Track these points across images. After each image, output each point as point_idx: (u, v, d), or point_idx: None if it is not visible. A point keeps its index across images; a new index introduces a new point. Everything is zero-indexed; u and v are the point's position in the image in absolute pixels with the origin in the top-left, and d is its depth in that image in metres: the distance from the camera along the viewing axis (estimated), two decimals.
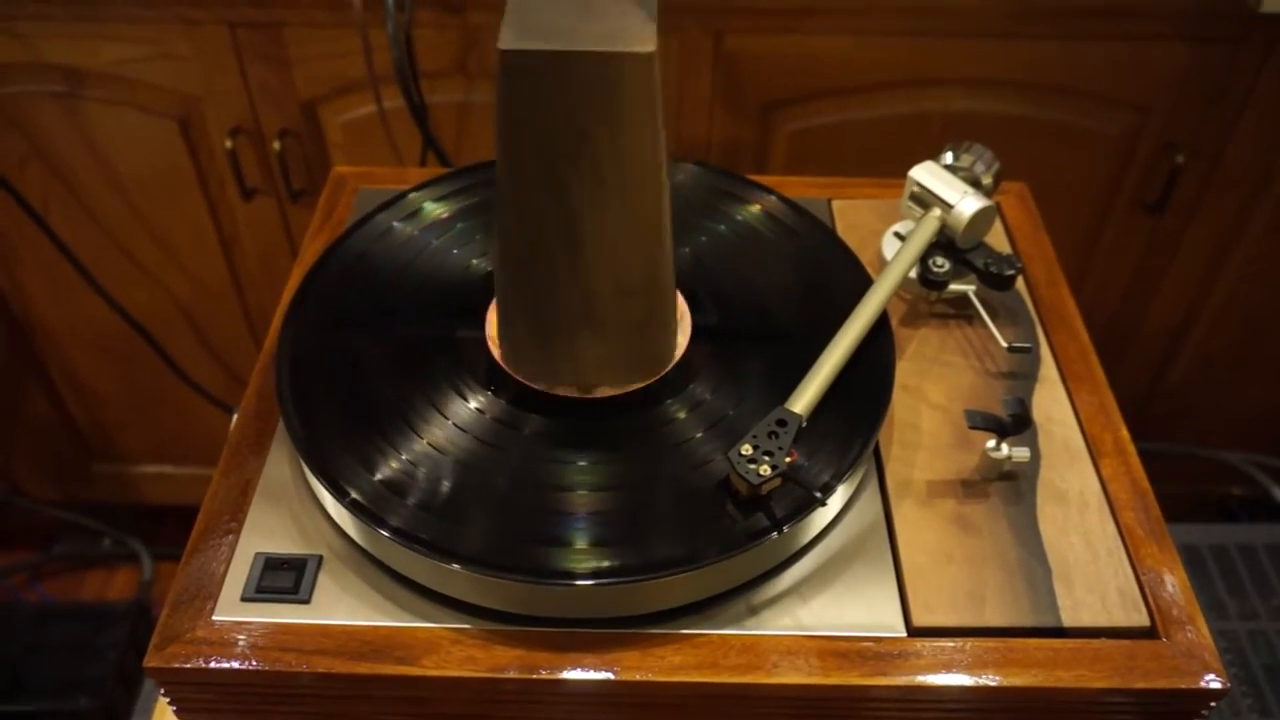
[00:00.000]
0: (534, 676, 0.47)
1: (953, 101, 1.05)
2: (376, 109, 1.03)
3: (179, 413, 1.35)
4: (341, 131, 1.08)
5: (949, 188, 0.61)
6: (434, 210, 0.64)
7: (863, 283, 0.59)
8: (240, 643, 0.48)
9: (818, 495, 0.48)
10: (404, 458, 0.52)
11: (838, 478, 0.50)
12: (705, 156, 1.09)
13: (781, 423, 0.50)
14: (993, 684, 0.47)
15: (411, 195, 0.65)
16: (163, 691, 0.49)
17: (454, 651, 0.48)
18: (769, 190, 0.66)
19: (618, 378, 0.55)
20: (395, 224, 0.63)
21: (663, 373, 0.56)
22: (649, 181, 0.49)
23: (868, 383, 0.55)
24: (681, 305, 0.59)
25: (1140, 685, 0.48)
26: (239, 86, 1.04)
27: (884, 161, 1.07)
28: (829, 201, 0.71)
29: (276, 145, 1.07)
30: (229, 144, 1.07)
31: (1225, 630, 0.90)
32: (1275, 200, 1.08)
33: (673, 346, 0.57)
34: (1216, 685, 0.48)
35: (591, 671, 0.47)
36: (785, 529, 0.48)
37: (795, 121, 1.07)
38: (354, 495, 0.50)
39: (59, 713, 1.25)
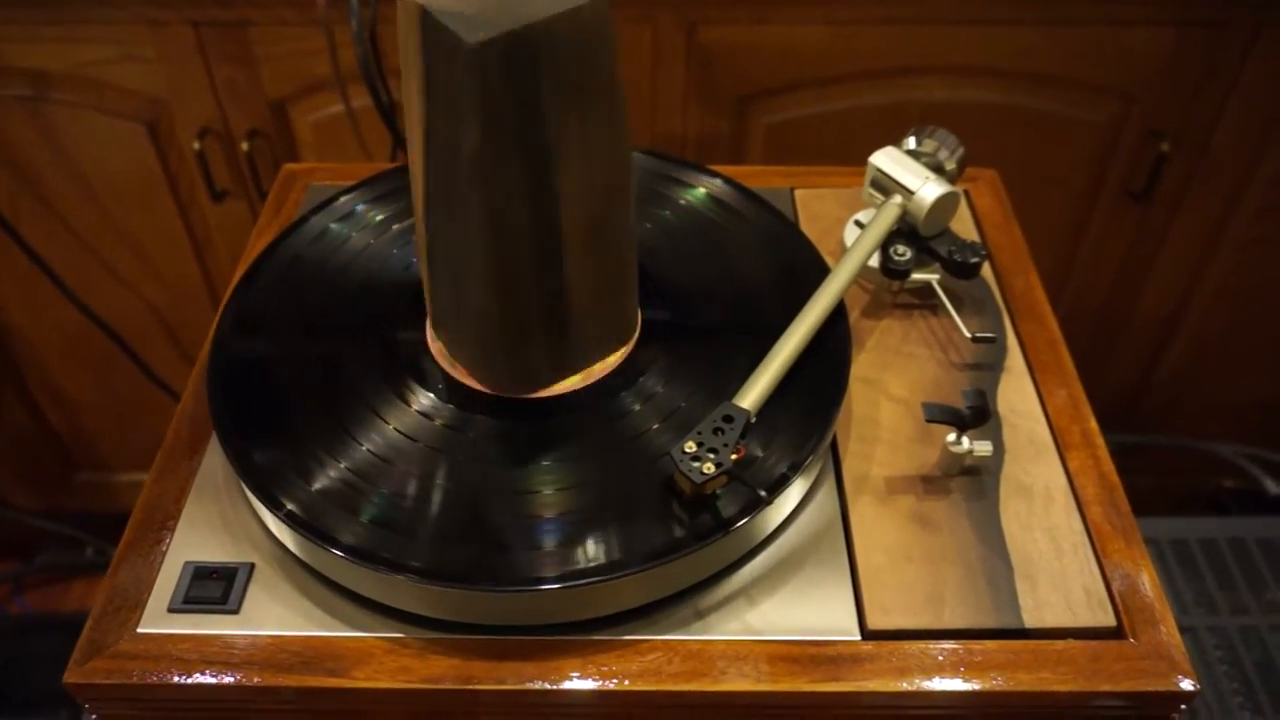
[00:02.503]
0: (470, 687, 0.45)
1: (933, 91, 1.03)
2: (344, 108, 1.01)
3: (159, 419, 1.33)
4: (311, 131, 1.06)
5: (910, 174, 0.59)
6: (370, 211, 0.62)
7: (820, 271, 0.57)
8: (165, 656, 0.46)
9: (762, 494, 0.46)
10: (342, 465, 0.50)
11: (790, 475, 0.48)
12: (680, 150, 1.07)
13: (728, 418, 0.48)
14: (950, 689, 0.45)
15: (345, 197, 0.63)
16: (87, 707, 0.47)
17: (387, 661, 0.46)
18: (719, 176, 0.64)
19: (592, 363, 0.53)
20: (332, 225, 0.61)
21: (627, 352, 0.55)
22: (618, 133, 0.47)
23: (823, 375, 0.53)
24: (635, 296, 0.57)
25: (1105, 688, 0.45)
26: (205, 87, 1.02)
27: (865, 153, 1.05)
28: (792, 191, 0.69)
29: (245, 146, 1.05)
30: (197, 145, 1.05)
31: (1216, 627, 0.87)
32: (1263, 186, 1.06)
33: (633, 322, 0.55)
34: (1187, 687, 0.46)
35: (530, 681, 0.45)
36: (731, 529, 0.46)
37: (772, 114, 1.05)
38: (290, 507, 0.48)
39: None
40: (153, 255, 1.16)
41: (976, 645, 0.47)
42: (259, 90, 1.03)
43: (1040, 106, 1.03)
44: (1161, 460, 1.28)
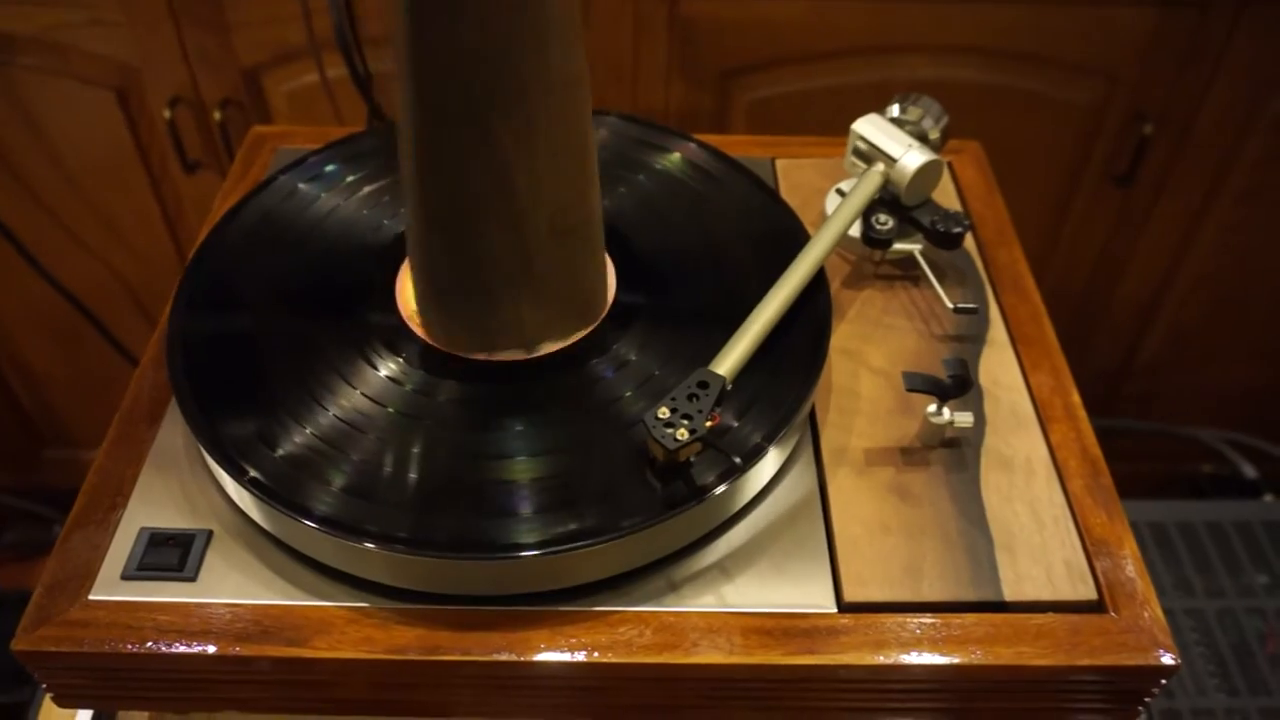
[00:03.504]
0: (434, 658, 0.44)
1: (917, 69, 1.02)
2: (319, 77, 0.99)
3: None
4: (285, 100, 1.04)
5: (893, 141, 0.58)
6: (341, 171, 0.61)
7: (801, 239, 0.56)
8: (117, 624, 0.44)
9: (736, 461, 0.45)
10: (306, 430, 0.48)
11: (766, 443, 0.47)
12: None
13: (703, 384, 0.46)
14: (928, 662, 0.44)
15: (314, 157, 0.61)
16: (36, 677, 0.45)
17: (349, 631, 0.44)
18: (696, 142, 0.63)
19: (563, 329, 0.52)
20: (301, 186, 0.59)
21: (600, 318, 0.53)
22: (578, 102, 0.46)
23: (802, 345, 0.52)
24: (605, 261, 0.55)
25: (1085, 662, 0.44)
26: (177, 54, 1.00)
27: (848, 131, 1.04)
28: (772, 161, 0.67)
29: (218, 115, 1.03)
30: (168, 114, 1.03)
31: (1193, 609, 0.87)
32: (1245, 170, 1.05)
33: (605, 287, 0.53)
34: (1168, 661, 0.45)
35: (497, 652, 0.44)
36: (705, 498, 0.45)
37: (755, 90, 1.03)
38: (252, 473, 0.46)
39: (8, 705, 1.21)
40: (123, 227, 1.14)
41: (955, 618, 0.46)
42: (232, 58, 1.01)
43: (1024, 86, 1.02)
44: (1141, 445, 1.27)
